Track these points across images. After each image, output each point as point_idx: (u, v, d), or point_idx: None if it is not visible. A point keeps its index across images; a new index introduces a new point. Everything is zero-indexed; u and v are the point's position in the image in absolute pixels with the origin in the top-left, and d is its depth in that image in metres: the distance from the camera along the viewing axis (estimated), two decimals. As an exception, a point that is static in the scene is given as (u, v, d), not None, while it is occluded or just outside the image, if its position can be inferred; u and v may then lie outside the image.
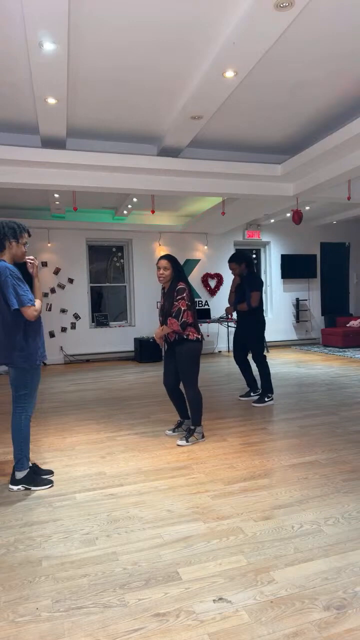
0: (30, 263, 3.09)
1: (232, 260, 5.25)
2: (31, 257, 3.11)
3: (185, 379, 3.88)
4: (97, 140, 5.40)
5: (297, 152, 5.78)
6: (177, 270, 3.91)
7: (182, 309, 3.77)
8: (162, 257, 3.91)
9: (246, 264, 5.23)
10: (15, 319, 2.94)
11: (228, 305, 5.45)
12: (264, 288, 5.26)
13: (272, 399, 5.23)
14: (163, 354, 4.16)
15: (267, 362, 5.25)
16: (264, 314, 5.33)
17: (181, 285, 3.84)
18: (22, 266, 3.06)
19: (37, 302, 3.00)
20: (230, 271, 5.36)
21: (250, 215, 8.56)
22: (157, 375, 7.60)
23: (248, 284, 5.16)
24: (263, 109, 4.65)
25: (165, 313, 3.85)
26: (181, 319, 3.76)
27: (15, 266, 2.97)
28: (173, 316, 3.77)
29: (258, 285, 5.17)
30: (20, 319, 2.95)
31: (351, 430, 4.12)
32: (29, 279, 3.08)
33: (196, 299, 10.04)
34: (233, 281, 5.32)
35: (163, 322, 3.88)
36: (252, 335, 5.23)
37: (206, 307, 9.99)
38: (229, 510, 2.66)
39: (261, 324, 5.24)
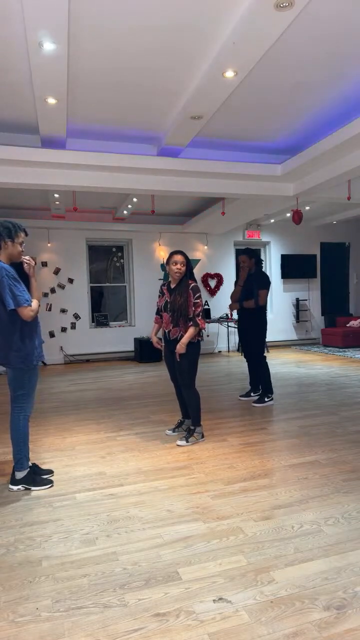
0: (26, 263, 3.08)
1: (244, 252, 5.23)
2: (27, 256, 3.09)
3: (183, 380, 3.87)
4: (97, 140, 5.40)
5: (297, 152, 5.78)
6: (189, 267, 3.91)
7: (202, 308, 3.87)
8: (178, 252, 3.86)
9: (255, 260, 5.24)
10: (12, 320, 2.94)
11: (231, 302, 5.39)
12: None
13: (272, 399, 5.23)
14: (163, 354, 4.13)
15: (266, 362, 5.25)
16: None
17: (195, 284, 3.86)
18: (19, 266, 3.05)
19: (34, 302, 2.99)
20: (240, 264, 5.29)
21: (250, 215, 8.56)
22: (157, 375, 7.60)
23: (256, 282, 5.13)
24: (263, 108, 4.65)
25: (178, 310, 3.81)
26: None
27: (12, 266, 2.96)
28: (200, 317, 3.81)
29: (266, 283, 5.17)
30: (17, 319, 2.94)
31: (351, 430, 4.12)
32: (26, 278, 3.07)
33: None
34: (241, 275, 5.27)
35: (174, 319, 3.84)
36: (254, 335, 5.21)
37: (206, 307, 9.99)
38: (229, 510, 2.66)
39: (264, 323, 5.23)
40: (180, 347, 3.77)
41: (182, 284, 3.86)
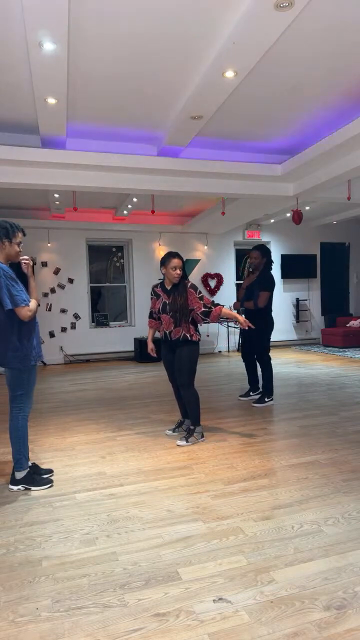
0: (25, 263, 3.07)
1: (258, 248, 5.12)
2: (26, 257, 3.09)
3: (183, 379, 3.87)
4: (97, 140, 5.40)
5: (297, 152, 5.78)
6: (184, 267, 3.94)
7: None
8: (177, 256, 3.86)
9: (266, 261, 5.15)
10: (10, 320, 2.94)
11: (235, 301, 5.35)
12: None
13: (272, 400, 5.23)
14: (162, 355, 4.12)
15: (271, 363, 5.23)
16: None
17: (191, 282, 3.92)
18: (17, 266, 3.05)
19: (32, 302, 2.99)
20: (250, 260, 5.17)
21: (250, 215, 8.56)
22: (157, 375, 7.60)
23: (259, 283, 5.09)
24: (263, 108, 4.66)
25: (179, 310, 3.82)
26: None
27: (10, 266, 2.96)
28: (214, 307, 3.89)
29: (269, 285, 5.08)
30: (15, 319, 2.94)
31: (351, 430, 4.12)
32: (24, 279, 3.07)
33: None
34: (248, 277, 5.19)
35: (176, 320, 3.84)
36: (258, 336, 5.17)
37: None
38: (229, 510, 2.66)
39: (270, 325, 5.17)
40: (244, 319, 3.77)
41: (179, 285, 3.88)
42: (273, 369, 5.43)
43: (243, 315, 5.35)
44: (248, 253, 5.25)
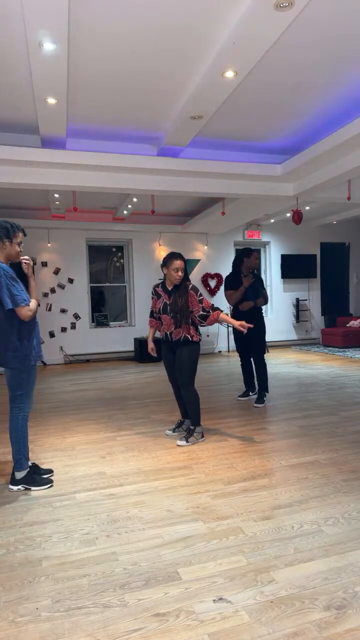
0: (25, 263, 3.08)
1: (256, 251, 5.28)
2: (26, 257, 3.09)
3: (183, 379, 3.87)
4: (97, 140, 5.40)
5: (297, 152, 5.78)
6: (185, 268, 3.93)
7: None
8: (179, 257, 3.84)
9: None
10: (10, 320, 2.94)
11: (247, 301, 5.28)
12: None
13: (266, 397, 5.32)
14: (162, 355, 4.11)
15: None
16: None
17: (192, 284, 3.91)
18: (17, 266, 3.05)
19: (33, 302, 2.99)
20: (255, 261, 5.23)
21: (250, 215, 8.56)
22: (157, 375, 7.60)
23: (260, 283, 5.28)
24: (263, 109, 4.65)
25: (180, 311, 3.82)
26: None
27: (10, 266, 2.96)
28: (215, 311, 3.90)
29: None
30: (15, 319, 2.94)
31: (351, 430, 4.12)
32: (24, 278, 3.07)
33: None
34: (246, 278, 5.17)
35: (176, 321, 3.83)
36: (258, 335, 5.20)
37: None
38: (229, 510, 2.66)
39: (264, 323, 5.32)
40: (242, 324, 3.75)
41: (180, 286, 3.87)
42: (272, 368, 5.46)
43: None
44: (252, 254, 5.21)
